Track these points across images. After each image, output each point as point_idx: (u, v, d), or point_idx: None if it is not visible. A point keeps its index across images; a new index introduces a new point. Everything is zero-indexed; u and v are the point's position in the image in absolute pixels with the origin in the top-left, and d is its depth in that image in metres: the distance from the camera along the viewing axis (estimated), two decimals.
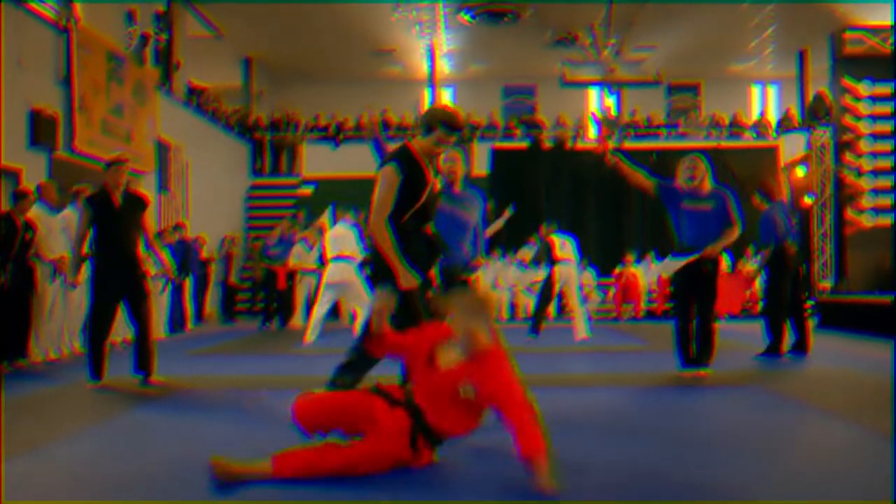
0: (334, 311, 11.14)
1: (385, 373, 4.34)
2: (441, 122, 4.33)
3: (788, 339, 8.39)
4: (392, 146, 4.66)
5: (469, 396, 3.52)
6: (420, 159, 4.36)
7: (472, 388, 3.51)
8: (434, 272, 4.55)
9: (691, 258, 6.71)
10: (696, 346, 6.78)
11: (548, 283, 11.24)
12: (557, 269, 11.11)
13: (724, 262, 9.10)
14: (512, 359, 3.64)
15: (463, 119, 4.73)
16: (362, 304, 9.90)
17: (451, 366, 3.62)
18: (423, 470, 3.56)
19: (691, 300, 6.77)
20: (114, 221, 6.49)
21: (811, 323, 10.41)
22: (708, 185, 6.85)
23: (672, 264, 6.96)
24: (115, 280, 6.47)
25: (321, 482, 3.37)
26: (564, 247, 11.20)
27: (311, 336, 10.23)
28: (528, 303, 15.62)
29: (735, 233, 6.78)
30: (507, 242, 16.63)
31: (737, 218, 6.78)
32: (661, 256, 16.68)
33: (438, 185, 4.74)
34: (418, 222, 4.39)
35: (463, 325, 3.63)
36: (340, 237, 10.25)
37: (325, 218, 12.92)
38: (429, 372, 3.66)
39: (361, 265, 10.13)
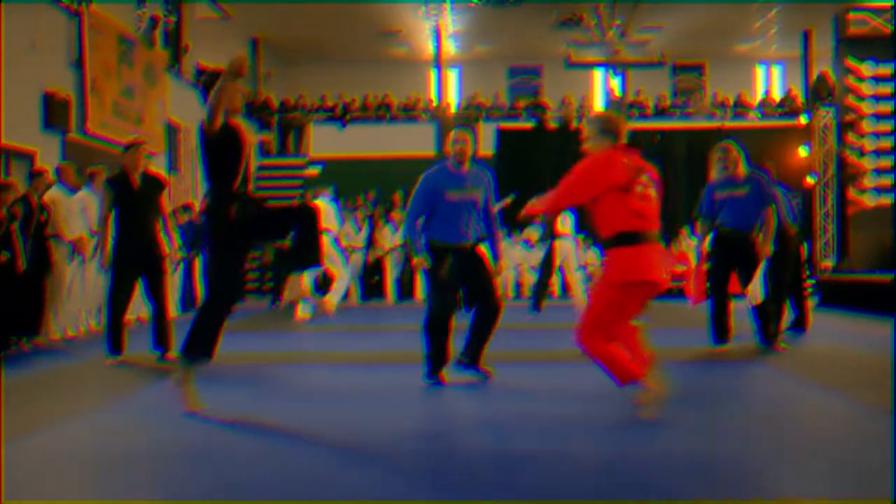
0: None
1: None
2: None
3: (787, 317, 8.55)
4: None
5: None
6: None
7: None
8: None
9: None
10: (768, 320, 7.06)
11: (548, 257, 11.47)
12: (558, 243, 11.34)
13: None
14: None
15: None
16: (337, 269, 10.13)
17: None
18: (422, 469, 3.55)
19: (729, 279, 6.95)
20: (133, 202, 6.70)
21: (811, 302, 10.55)
22: (742, 169, 6.90)
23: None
24: (134, 259, 6.69)
25: (316, 475, 3.39)
26: (565, 222, 11.43)
27: (302, 312, 10.42)
28: (534, 281, 15.75)
29: (773, 216, 6.88)
30: (512, 222, 16.74)
31: (771, 201, 6.86)
32: (664, 236, 16.81)
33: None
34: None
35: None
36: (322, 212, 10.47)
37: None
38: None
39: (336, 238, 10.63)
